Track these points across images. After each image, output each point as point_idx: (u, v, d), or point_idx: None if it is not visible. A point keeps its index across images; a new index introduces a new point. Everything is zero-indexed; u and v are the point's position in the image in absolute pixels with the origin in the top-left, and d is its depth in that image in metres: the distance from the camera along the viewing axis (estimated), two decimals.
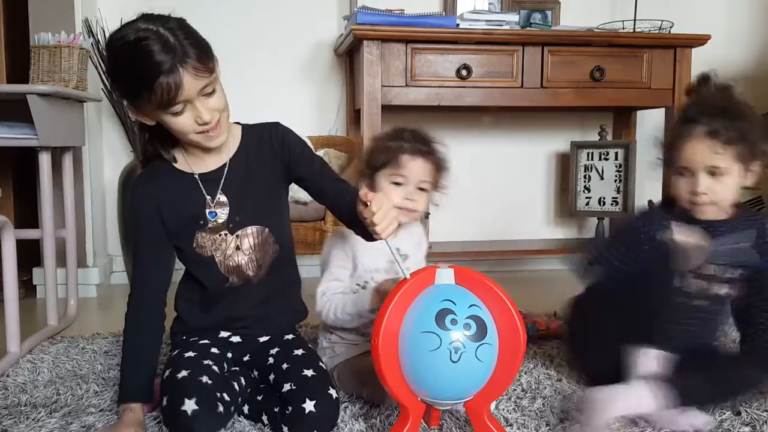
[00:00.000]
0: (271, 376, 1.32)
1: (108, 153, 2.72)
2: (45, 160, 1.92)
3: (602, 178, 2.86)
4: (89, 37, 2.37)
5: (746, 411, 1.38)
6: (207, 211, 1.31)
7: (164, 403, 1.21)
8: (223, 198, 1.32)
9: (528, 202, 3.05)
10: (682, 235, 1.31)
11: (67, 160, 2.16)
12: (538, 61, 2.48)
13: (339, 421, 1.32)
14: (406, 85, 2.40)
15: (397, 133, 1.48)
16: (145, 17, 1.16)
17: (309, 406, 1.20)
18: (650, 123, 2.98)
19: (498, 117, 2.98)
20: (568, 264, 1.44)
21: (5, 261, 1.68)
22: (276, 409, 1.27)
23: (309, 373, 1.27)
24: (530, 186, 3.04)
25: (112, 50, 1.19)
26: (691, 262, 1.33)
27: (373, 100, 2.35)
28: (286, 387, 1.25)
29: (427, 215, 2.62)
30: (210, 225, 1.32)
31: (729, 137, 1.33)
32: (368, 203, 1.16)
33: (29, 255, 2.46)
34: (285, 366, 1.31)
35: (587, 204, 2.91)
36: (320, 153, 2.60)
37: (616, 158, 2.83)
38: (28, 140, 1.85)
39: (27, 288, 2.50)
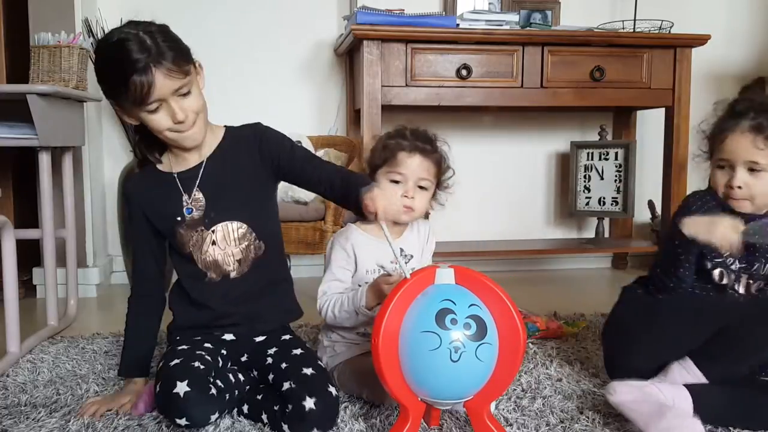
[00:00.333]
0: (271, 376, 1.33)
1: (108, 153, 2.73)
2: (45, 160, 1.92)
3: (602, 178, 2.86)
4: (89, 37, 2.37)
5: None
6: (184, 207, 1.36)
7: (157, 390, 1.23)
8: (199, 195, 1.37)
9: (528, 202, 3.05)
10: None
11: (67, 160, 2.16)
12: (538, 61, 2.48)
13: (339, 420, 1.32)
14: (406, 85, 2.40)
15: (397, 132, 1.48)
16: (131, 22, 1.26)
17: (309, 403, 1.21)
18: (650, 123, 2.98)
19: (498, 117, 2.98)
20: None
21: (5, 261, 1.68)
22: (276, 408, 1.28)
23: (308, 371, 1.28)
24: (530, 186, 3.04)
25: (98, 51, 1.30)
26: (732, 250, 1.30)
27: (373, 100, 2.36)
28: (286, 385, 1.26)
29: (427, 214, 2.62)
30: (187, 221, 1.36)
31: None
32: (374, 213, 1.22)
33: (29, 255, 2.46)
34: (284, 365, 1.31)
35: (587, 204, 2.91)
36: (320, 153, 2.60)
37: (616, 158, 2.83)
38: (28, 140, 1.85)
39: (27, 288, 2.50)
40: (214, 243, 1.37)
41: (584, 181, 2.90)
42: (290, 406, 1.22)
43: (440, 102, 2.43)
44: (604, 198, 2.87)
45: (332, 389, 1.25)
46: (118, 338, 1.80)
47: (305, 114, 2.82)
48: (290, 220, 2.27)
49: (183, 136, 1.31)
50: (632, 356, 1.42)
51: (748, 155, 1.35)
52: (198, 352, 1.30)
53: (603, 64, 2.51)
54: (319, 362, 1.34)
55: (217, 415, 1.26)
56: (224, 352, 1.38)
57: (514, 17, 2.51)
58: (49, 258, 1.98)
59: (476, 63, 2.43)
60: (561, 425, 1.32)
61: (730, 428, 1.29)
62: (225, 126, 1.43)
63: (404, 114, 2.42)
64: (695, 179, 2.51)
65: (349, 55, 2.72)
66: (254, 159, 1.39)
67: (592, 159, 2.88)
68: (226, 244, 1.37)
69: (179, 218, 1.36)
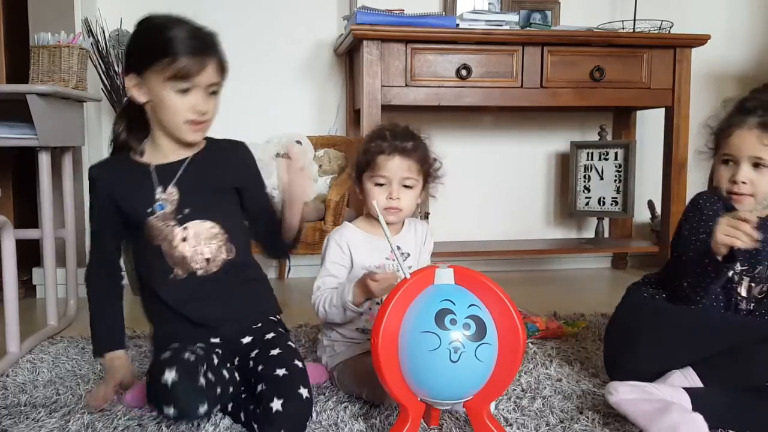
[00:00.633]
0: (252, 379, 1.32)
1: (108, 153, 2.71)
2: (45, 160, 1.92)
3: (602, 178, 2.86)
4: (89, 37, 2.37)
5: None
6: (156, 200, 1.36)
7: (147, 381, 1.23)
8: (173, 189, 1.37)
9: (528, 202, 3.05)
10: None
11: (67, 160, 2.16)
12: (537, 61, 2.48)
13: (339, 420, 1.32)
14: (406, 85, 2.40)
15: (377, 134, 1.48)
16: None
17: (276, 405, 1.20)
18: (650, 123, 2.98)
19: (498, 117, 2.98)
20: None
21: (5, 261, 1.68)
22: (251, 408, 1.28)
23: (281, 372, 1.27)
24: (530, 186, 3.04)
25: (153, 19, 1.33)
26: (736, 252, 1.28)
27: (372, 100, 2.36)
28: (259, 387, 1.26)
29: (426, 215, 2.63)
30: (158, 214, 1.36)
31: None
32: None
33: (29, 255, 2.46)
34: (260, 367, 1.31)
35: (587, 204, 2.91)
36: (320, 153, 2.61)
37: (616, 158, 2.83)
38: (28, 140, 1.86)
39: (27, 288, 2.50)
40: (184, 240, 1.36)
41: (584, 181, 2.91)
42: (260, 408, 1.23)
43: (440, 102, 2.43)
44: (603, 198, 2.87)
45: (303, 390, 1.24)
46: None
47: (305, 114, 2.82)
48: None
49: (195, 128, 1.34)
50: (634, 359, 1.41)
51: (753, 151, 1.36)
52: (189, 347, 1.28)
53: (603, 64, 2.52)
54: (296, 361, 1.30)
55: (206, 407, 1.23)
56: (219, 351, 1.36)
57: (513, 17, 2.51)
58: (49, 258, 1.98)
59: (476, 63, 2.43)
60: (561, 425, 1.32)
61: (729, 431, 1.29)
62: (206, 137, 1.45)
63: (404, 114, 2.41)
64: (695, 179, 2.51)
65: (348, 55, 2.72)
66: (232, 171, 1.43)
67: (591, 159, 2.88)
68: (196, 243, 1.36)
69: (149, 210, 1.36)
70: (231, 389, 1.32)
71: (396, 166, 1.44)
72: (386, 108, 2.37)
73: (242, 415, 1.30)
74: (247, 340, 1.40)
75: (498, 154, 2.99)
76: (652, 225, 2.93)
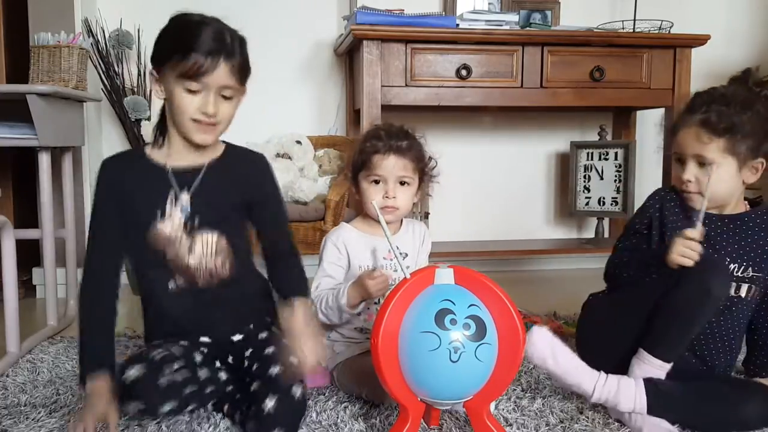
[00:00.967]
0: (247, 378, 1.31)
1: (107, 153, 2.67)
2: (45, 160, 1.92)
3: (602, 178, 2.86)
4: (89, 37, 2.37)
5: None
6: (168, 204, 1.31)
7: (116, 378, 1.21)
8: (186, 196, 1.32)
9: (528, 202, 3.05)
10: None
11: (67, 160, 2.16)
12: (537, 61, 2.48)
13: (339, 420, 1.32)
14: (406, 85, 2.40)
15: (372, 134, 1.49)
16: (220, 20, 1.32)
17: (269, 404, 1.20)
18: (650, 123, 2.98)
19: (498, 117, 2.98)
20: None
21: (5, 261, 1.68)
22: (245, 407, 1.28)
23: (274, 371, 1.26)
24: (530, 186, 3.04)
25: (183, 16, 1.31)
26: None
27: (372, 100, 2.36)
28: (253, 387, 1.26)
29: (426, 215, 2.63)
30: (167, 219, 1.31)
31: (719, 128, 1.33)
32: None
33: (29, 255, 2.46)
34: (255, 366, 1.30)
35: (587, 204, 2.91)
36: (320, 153, 2.61)
37: (616, 158, 2.83)
38: (28, 140, 1.85)
39: (27, 288, 2.50)
40: (191, 250, 1.32)
41: (584, 181, 2.91)
42: (253, 407, 1.22)
43: (440, 102, 2.43)
44: (603, 198, 2.87)
45: (297, 389, 1.23)
46: (119, 338, 1.79)
47: (305, 114, 2.82)
48: (290, 220, 2.26)
49: (201, 128, 1.28)
50: (593, 361, 1.40)
51: (694, 149, 1.37)
52: (164, 346, 1.26)
53: (603, 64, 2.51)
54: (291, 360, 1.27)
55: (171, 405, 1.20)
56: (204, 350, 1.34)
57: (513, 17, 2.51)
58: (48, 258, 1.98)
59: (476, 63, 2.43)
60: (561, 425, 1.32)
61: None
62: (225, 142, 1.41)
63: (404, 114, 2.42)
64: None
65: (348, 55, 2.72)
66: (249, 187, 1.38)
67: (591, 159, 2.88)
68: (202, 255, 1.32)
69: (159, 212, 1.31)
70: (210, 389, 1.29)
71: (391, 165, 1.45)
72: (386, 108, 2.37)
73: (237, 415, 1.30)
74: (237, 337, 1.38)
75: (498, 154, 2.98)
76: None
